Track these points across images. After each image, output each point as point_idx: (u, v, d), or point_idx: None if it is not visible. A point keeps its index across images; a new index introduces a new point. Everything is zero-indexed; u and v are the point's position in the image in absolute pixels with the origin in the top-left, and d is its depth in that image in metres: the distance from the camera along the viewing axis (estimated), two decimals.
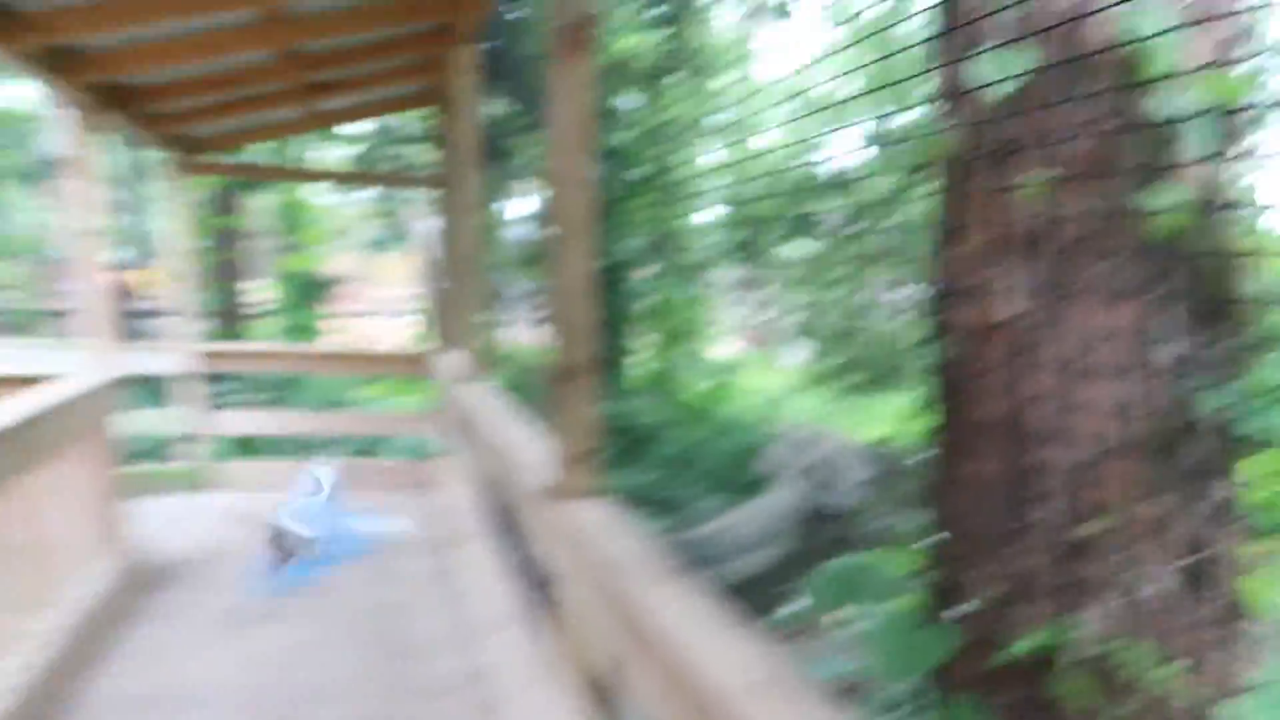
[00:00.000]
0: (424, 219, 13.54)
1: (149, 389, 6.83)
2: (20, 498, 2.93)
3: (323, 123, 6.11)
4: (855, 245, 11.71)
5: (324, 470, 4.97)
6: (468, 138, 4.43)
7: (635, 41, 8.67)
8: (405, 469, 6.30)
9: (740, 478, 8.29)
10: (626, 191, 8.41)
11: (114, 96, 3.94)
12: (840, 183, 11.06)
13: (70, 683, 3.15)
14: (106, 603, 3.62)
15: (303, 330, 8.72)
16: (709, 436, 8.87)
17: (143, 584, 4.08)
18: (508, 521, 3.71)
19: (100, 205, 3.93)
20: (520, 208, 11.55)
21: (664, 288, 10.10)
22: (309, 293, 8.81)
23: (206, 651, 3.51)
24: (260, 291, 10.49)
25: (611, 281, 8.07)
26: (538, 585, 3.07)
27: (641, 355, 10.51)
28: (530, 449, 2.67)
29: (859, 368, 11.89)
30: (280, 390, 8.30)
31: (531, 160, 8.90)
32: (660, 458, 8.31)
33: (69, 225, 3.81)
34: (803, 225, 11.44)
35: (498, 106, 8.11)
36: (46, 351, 5.86)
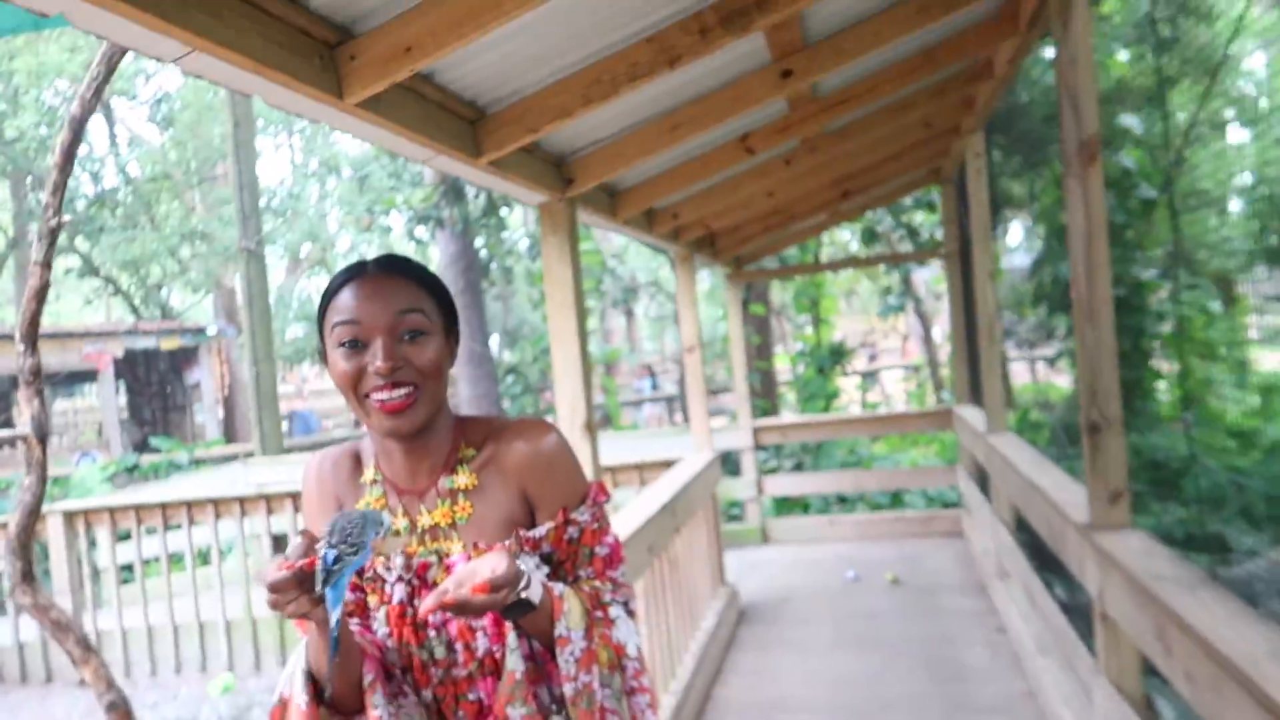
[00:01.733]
0: (927, 282, 14.11)
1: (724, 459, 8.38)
2: (673, 551, 4.07)
3: (842, 219, 7.10)
4: None
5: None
6: (979, 214, 4.98)
7: (1135, 53, 8.43)
8: (929, 518, 6.86)
9: None
10: (1140, 212, 8.12)
11: (697, 242, 5.22)
12: None
13: (706, 690, 4.20)
14: (720, 632, 4.70)
15: (823, 396, 9.73)
16: (1256, 464, 8.03)
17: (740, 618, 5.17)
18: (1041, 559, 4.11)
19: (693, 322, 5.23)
20: (1015, 239, 11.56)
21: (1190, 304, 9.36)
22: (827, 361, 9.83)
23: (796, 672, 4.39)
24: (784, 362, 11.92)
25: (1131, 307, 7.82)
26: (1074, 613, 3.44)
27: (1171, 380, 9.81)
28: (1062, 490, 3.11)
29: None
30: (806, 453, 9.37)
31: (1023, 200, 9.02)
32: (1195, 489, 7.74)
33: (684, 338, 5.17)
34: None
35: (993, 149, 8.42)
36: (664, 439, 7.52)
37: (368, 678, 1.14)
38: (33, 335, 2.33)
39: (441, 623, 1.21)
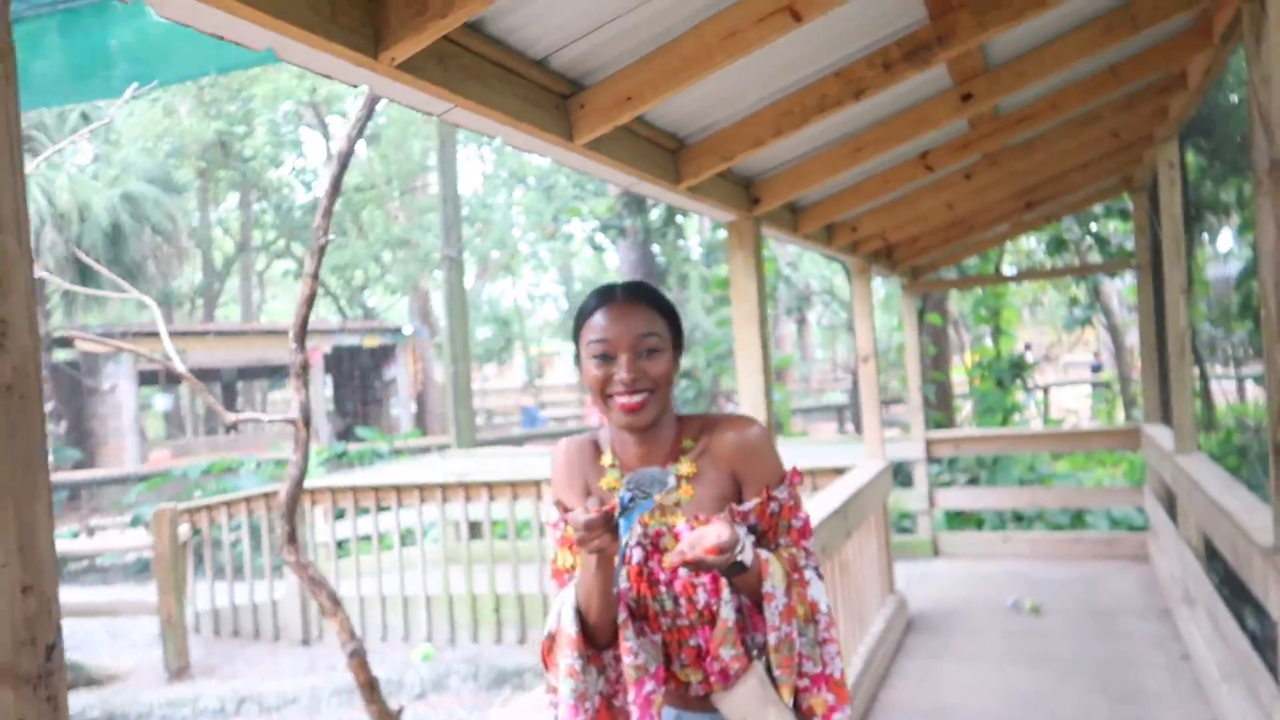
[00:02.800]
0: (1120, 292, 13.40)
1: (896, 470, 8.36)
2: (844, 555, 4.23)
3: (1026, 229, 6.97)
4: None
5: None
6: (1171, 226, 4.85)
7: None
8: (1112, 540, 6.62)
9: None
10: None
11: (874, 253, 5.33)
12: None
13: (873, 692, 4.33)
14: (888, 637, 4.81)
15: (1001, 410, 9.50)
16: None
17: (907, 627, 5.24)
18: (1231, 587, 3.99)
19: (868, 332, 5.35)
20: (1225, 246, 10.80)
21: None
22: (1006, 373, 9.59)
23: (964, 682, 4.44)
24: (963, 374, 11.69)
25: None
26: (1262, 642, 3.35)
27: None
28: (1250, 513, 3.06)
29: None
30: (981, 467, 9.18)
31: (1228, 206, 8.48)
32: None
33: (859, 348, 5.31)
34: None
35: (1193, 153, 7.96)
36: (842, 447, 7.65)
37: (621, 616, 1.44)
38: (302, 336, 2.79)
39: (669, 580, 1.48)
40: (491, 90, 1.77)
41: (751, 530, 1.50)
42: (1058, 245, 9.54)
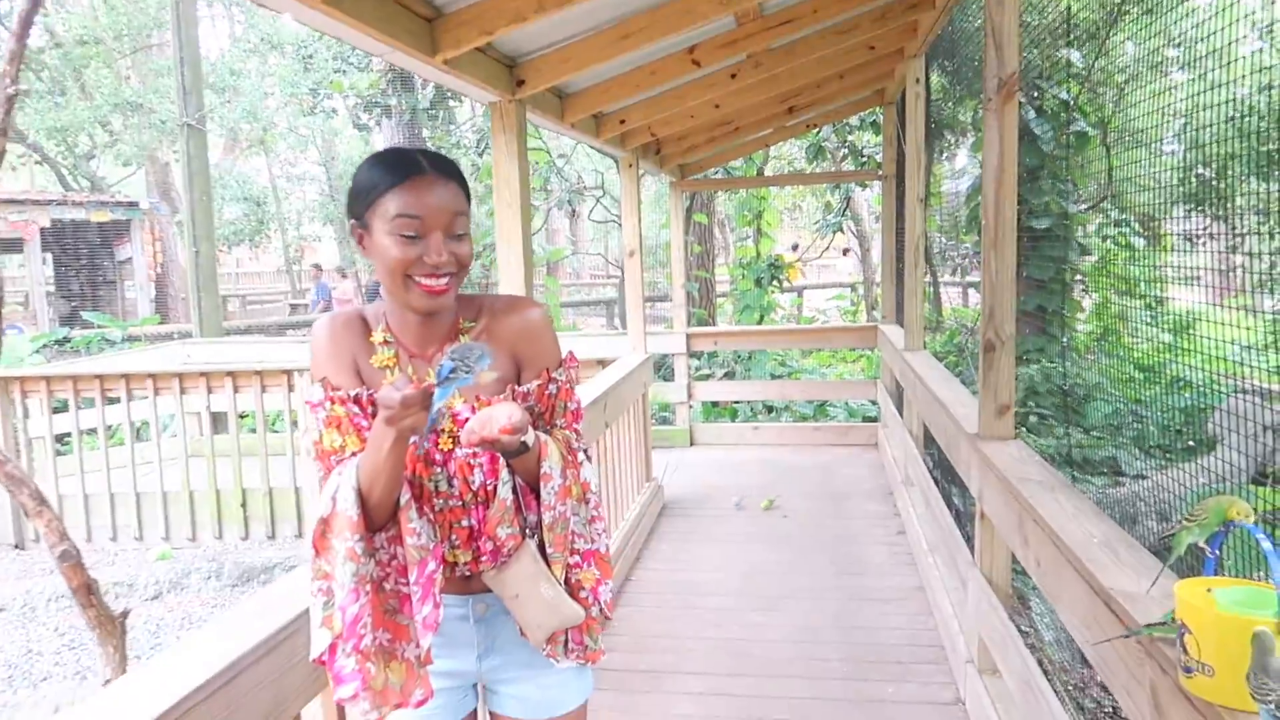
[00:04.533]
0: (869, 202, 14.33)
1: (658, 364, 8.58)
2: (603, 444, 4.30)
3: (788, 135, 7.21)
4: None
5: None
6: (916, 137, 5.17)
7: None
8: (849, 429, 7.23)
9: (1183, 440, 7.97)
10: (1072, 145, 8.35)
11: (643, 148, 5.31)
12: None
13: (626, 573, 4.51)
14: (643, 523, 5.00)
15: (759, 309, 9.99)
16: (1153, 397, 8.57)
17: (661, 511, 5.48)
18: (940, 468, 4.45)
19: (635, 227, 5.37)
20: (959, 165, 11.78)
21: (1110, 241, 9.74)
22: (765, 273, 10.06)
23: (710, 560, 4.72)
24: (726, 273, 12.15)
25: (1055, 238, 8.13)
26: (964, 518, 3.79)
27: (1087, 313, 10.26)
28: (961, 404, 3.40)
29: None
30: (737, 362, 9.68)
31: (965, 127, 9.20)
32: (1097, 417, 8.28)
33: (625, 242, 5.29)
34: None
35: (937, 75, 8.51)
36: (606, 340, 7.70)
37: (405, 496, 1.37)
38: None
39: (444, 460, 1.44)
40: None
41: (529, 412, 1.47)
42: (816, 152, 9.99)
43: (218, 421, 6.85)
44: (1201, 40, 3.21)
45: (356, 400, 1.43)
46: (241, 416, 6.99)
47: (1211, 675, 1.15)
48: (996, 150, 2.75)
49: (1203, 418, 8.23)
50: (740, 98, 4.78)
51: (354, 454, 1.39)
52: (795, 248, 13.70)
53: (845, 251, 14.53)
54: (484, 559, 1.47)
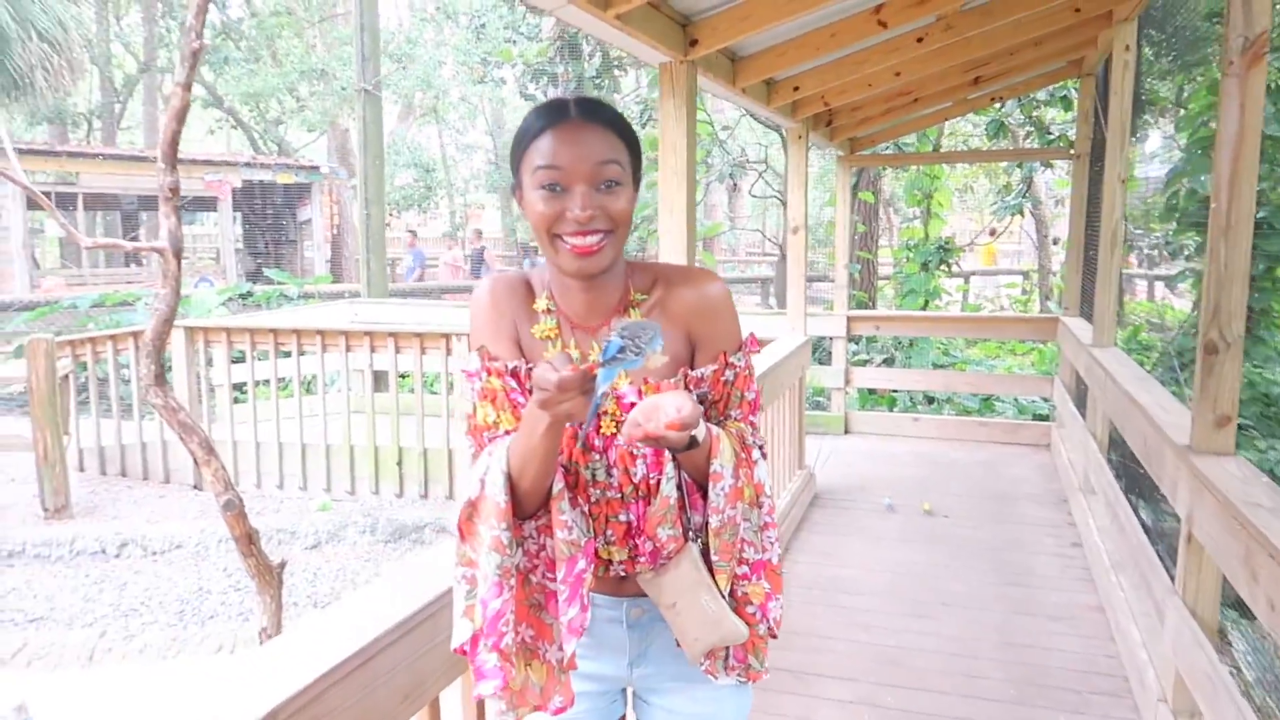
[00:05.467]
0: (1049, 184, 13.42)
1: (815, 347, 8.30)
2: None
3: (969, 108, 6.74)
4: None
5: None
6: (1120, 113, 4.68)
7: None
8: (1018, 427, 6.75)
9: None
10: None
11: (814, 118, 5.05)
12: None
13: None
14: (793, 512, 4.80)
15: (923, 294, 9.50)
16: None
17: (813, 501, 5.26)
18: (1129, 479, 4.03)
19: (801, 202, 5.12)
20: (1152, 147, 10.83)
21: None
22: (932, 256, 9.54)
23: (861, 556, 4.47)
24: (890, 255, 11.65)
25: (1273, 230, 7.30)
26: (1156, 535, 3.40)
27: None
28: (1165, 410, 3.03)
29: None
30: (897, 349, 9.24)
31: (1168, 104, 8.39)
32: None
33: (790, 218, 5.07)
34: None
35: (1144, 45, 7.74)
36: (764, 319, 7.52)
37: (558, 486, 1.23)
38: (172, 155, 2.43)
39: (605, 447, 1.29)
40: None
41: (701, 400, 1.30)
42: (998, 129, 9.36)
43: (379, 380, 7.09)
44: None
45: (514, 374, 1.29)
46: (402, 376, 7.19)
47: None
48: (1235, 121, 2.38)
49: None
50: (924, 65, 4.45)
51: (507, 433, 1.26)
52: (993, 232, 12.99)
53: (993, 232, 13.67)
54: (641, 559, 1.32)
